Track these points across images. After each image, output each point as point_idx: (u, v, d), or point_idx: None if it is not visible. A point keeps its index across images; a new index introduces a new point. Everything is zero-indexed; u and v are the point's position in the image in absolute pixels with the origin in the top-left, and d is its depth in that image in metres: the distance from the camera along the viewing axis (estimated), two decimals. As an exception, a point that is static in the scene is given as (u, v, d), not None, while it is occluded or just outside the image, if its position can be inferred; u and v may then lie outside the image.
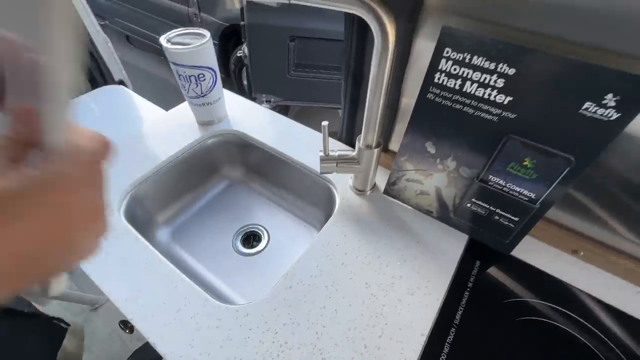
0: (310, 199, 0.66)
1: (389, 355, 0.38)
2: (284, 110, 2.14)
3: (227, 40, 2.11)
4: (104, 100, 0.82)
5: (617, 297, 0.44)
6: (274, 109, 2.00)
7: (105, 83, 0.91)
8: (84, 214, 0.19)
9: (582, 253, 0.48)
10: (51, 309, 1.16)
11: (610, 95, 0.32)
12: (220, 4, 2.07)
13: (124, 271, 0.45)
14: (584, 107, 0.34)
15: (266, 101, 1.89)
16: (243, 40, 1.75)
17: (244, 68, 2.10)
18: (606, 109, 0.33)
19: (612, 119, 0.33)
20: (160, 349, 0.39)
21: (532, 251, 0.49)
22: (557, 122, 0.36)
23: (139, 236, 0.50)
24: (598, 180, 0.42)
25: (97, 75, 0.92)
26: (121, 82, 0.94)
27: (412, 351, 0.39)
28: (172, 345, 0.39)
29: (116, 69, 0.94)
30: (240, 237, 0.67)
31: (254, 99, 2.02)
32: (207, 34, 0.58)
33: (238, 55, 2.02)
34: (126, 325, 0.52)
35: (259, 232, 0.67)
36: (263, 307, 0.42)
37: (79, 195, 0.18)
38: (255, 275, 0.60)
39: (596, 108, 0.33)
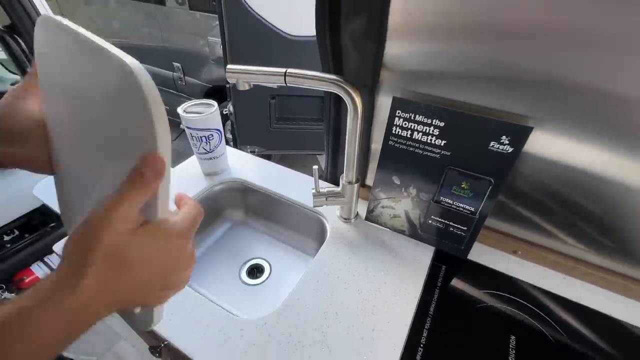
0: (305, 231, 0.78)
1: (381, 344, 0.49)
2: (266, 158, 2.30)
3: (211, 98, 2.30)
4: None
5: (549, 283, 0.58)
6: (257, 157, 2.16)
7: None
8: (185, 257, 0.26)
9: (520, 252, 0.62)
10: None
11: (504, 137, 0.49)
12: (204, 69, 2.29)
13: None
14: (491, 145, 0.50)
15: (250, 151, 2.05)
16: (228, 99, 1.95)
17: (227, 122, 2.29)
18: (504, 146, 0.49)
19: (509, 152, 0.49)
20: (196, 358, 0.47)
21: (483, 255, 0.62)
22: (477, 156, 0.52)
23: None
24: (522, 196, 0.57)
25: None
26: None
27: (399, 339, 0.49)
28: (205, 354, 0.47)
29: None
30: (245, 270, 0.76)
31: (239, 150, 2.17)
32: (215, 104, 0.73)
33: (224, 112, 2.21)
34: (156, 350, 0.58)
35: (262, 264, 0.77)
36: (278, 317, 0.52)
37: (184, 242, 0.26)
38: (262, 301, 0.69)
39: (498, 145, 0.50)
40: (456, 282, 0.58)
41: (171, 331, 0.50)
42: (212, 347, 0.48)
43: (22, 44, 1.03)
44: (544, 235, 0.60)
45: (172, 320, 0.51)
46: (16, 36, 1.02)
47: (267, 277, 0.74)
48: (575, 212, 0.54)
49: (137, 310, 0.29)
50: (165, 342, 0.55)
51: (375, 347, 0.48)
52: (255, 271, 0.76)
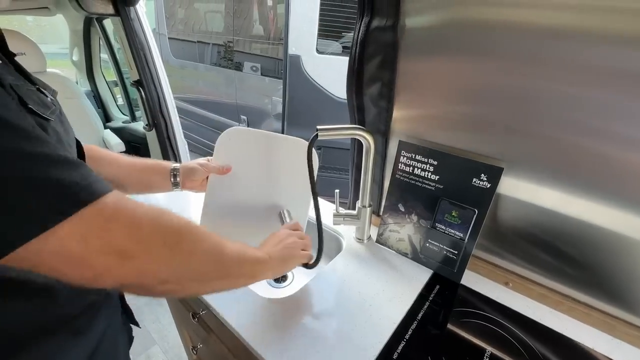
0: (325, 249, 0.91)
1: (372, 332, 0.59)
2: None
3: (267, 147, 2.66)
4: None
5: (535, 313, 0.63)
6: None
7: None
8: (295, 242, 0.59)
9: (511, 285, 0.69)
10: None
11: (483, 175, 0.62)
12: (264, 122, 2.70)
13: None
14: (473, 181, 0.63)
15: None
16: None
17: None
18: (483, 182, 0.62)
19: (487, 187, 0.62)
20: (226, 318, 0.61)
21: (477, 282, 0.70)
22: (464, 189, 0.65)
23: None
24: (510, 236, 0.67)
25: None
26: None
27: (386, 331, 0.59)
28: (233, 316, 0.61)
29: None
30: (272, 276, 0.90)
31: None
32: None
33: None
34: (194, 316, 0.72)
35: (286, 272, 0.91)
36: (291, 300, 0.65)
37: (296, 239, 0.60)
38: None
39: (479, 181, 0.63)
40: (446, 299, 0.67)
41: (212, 300, 0.65)
42: (241, 311, 0.62)
43: (143, 93, 1.43)
44: (531, 270, 0.67)
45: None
46: (140, 88, 1.42)
47: (289, 283, 0.88)
48: (550, 250, 0.63)
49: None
50: (204, 311, 0.71)
51: (366, 333, 0.58)
52: (280, 278, 0.90)
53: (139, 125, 1.91)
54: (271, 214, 0.74)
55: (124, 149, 1.84)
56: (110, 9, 1.32)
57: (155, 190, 0.69)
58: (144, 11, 1.47)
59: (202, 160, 0.70)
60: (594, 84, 0.50)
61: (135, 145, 1.92)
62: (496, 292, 0.68)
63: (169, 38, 3.23)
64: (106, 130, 1.96)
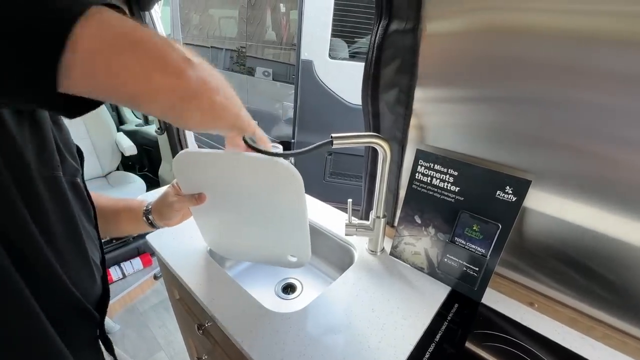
0: (337, 260, 0.88)
1: (386, 354, 0.55)
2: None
3: (277, 152, 2.65)
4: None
5: (565, 339, 0.58)
6: (308, 206, 2.34)
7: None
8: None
9: (536, 305, 0.64)
10: None
11: (508, 187, 0.58)
12: (275, 127, 2.70)
13: (212, 284, 0.68)
14: (497, 194, 0.59)
15: (302, 199, 2.24)
16: (290, 152, 2.25)
17: (287, 173, 2.57)
18: (508, 195, 0.58)
19: (513, 200, 0.58)
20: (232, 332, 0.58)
21: (499, 302, 0.66)
22: (486, 202, 0.61)
23: (219, 266, 0.74)
24: (537, 253, 0.63)
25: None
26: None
27: (402, 354, 0.55)
28: (239, 330, 0.58)
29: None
30: (280, 286, 0.87)
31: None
32: (280, 146, 0.94)
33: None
34: (200, 328, 0.70)
35: (295, 283, 0.88)
36: (300, 315, 0.62)
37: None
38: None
39: (504, 194, 0.59)
40: (466, 319, 0.62)
41: (217, 311, 0.63)
42: (247, 325, 0.59)
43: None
44: (559, 291, 0.62)
45: (218, 300, 0.64)
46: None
47: (299, 294, 0.84)
48: (582, 270, 0.58)
49: (294, 259, 0.64)
50: (209, 324, 0.68)
51: (379, 356, 0.54)
52: (288, 289, 0.87)
53: (151, 129, 1.92)
54: (268, 223, 0.63)
55: (135, 152, 1.85)
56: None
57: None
58: (159, 16, 1.48)
59: (170, 192, 0.59)
60: (631, 93, 0.46)
61: (147, 149, 1.93)
62: (520, 313, 0.63)
63: (183, 43, 3.28)
64: (119, 133, 1.97)
